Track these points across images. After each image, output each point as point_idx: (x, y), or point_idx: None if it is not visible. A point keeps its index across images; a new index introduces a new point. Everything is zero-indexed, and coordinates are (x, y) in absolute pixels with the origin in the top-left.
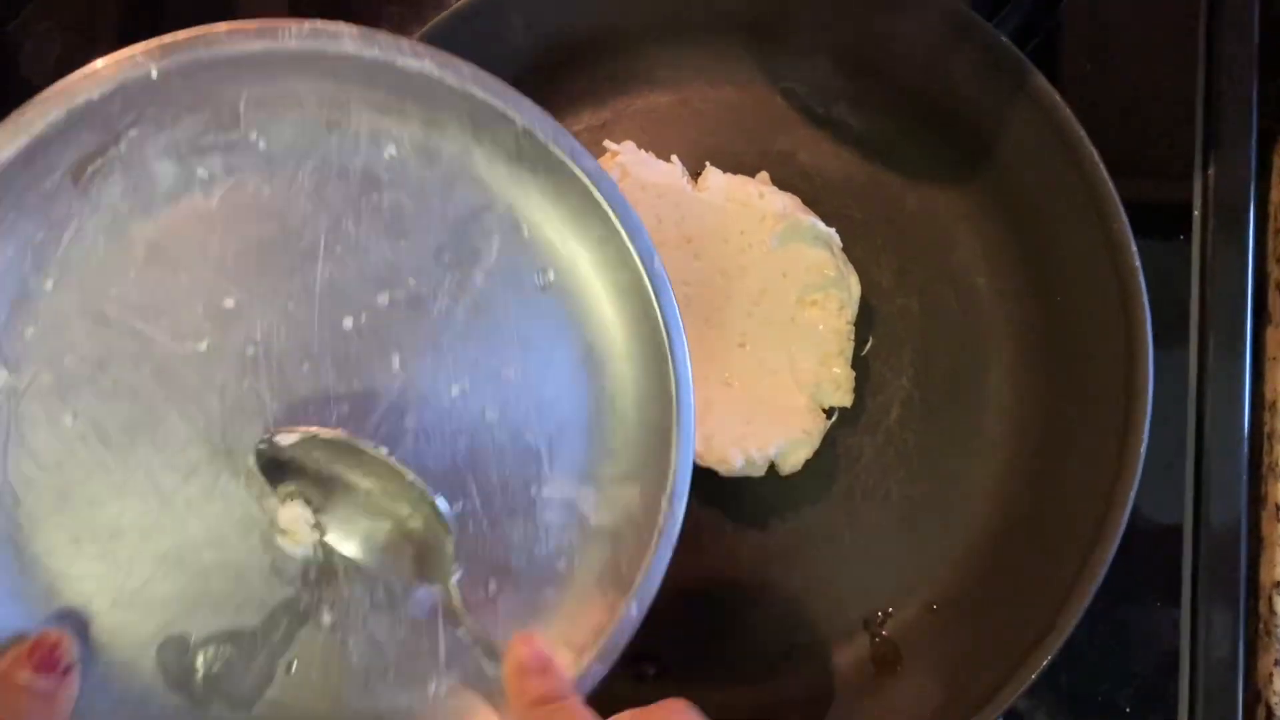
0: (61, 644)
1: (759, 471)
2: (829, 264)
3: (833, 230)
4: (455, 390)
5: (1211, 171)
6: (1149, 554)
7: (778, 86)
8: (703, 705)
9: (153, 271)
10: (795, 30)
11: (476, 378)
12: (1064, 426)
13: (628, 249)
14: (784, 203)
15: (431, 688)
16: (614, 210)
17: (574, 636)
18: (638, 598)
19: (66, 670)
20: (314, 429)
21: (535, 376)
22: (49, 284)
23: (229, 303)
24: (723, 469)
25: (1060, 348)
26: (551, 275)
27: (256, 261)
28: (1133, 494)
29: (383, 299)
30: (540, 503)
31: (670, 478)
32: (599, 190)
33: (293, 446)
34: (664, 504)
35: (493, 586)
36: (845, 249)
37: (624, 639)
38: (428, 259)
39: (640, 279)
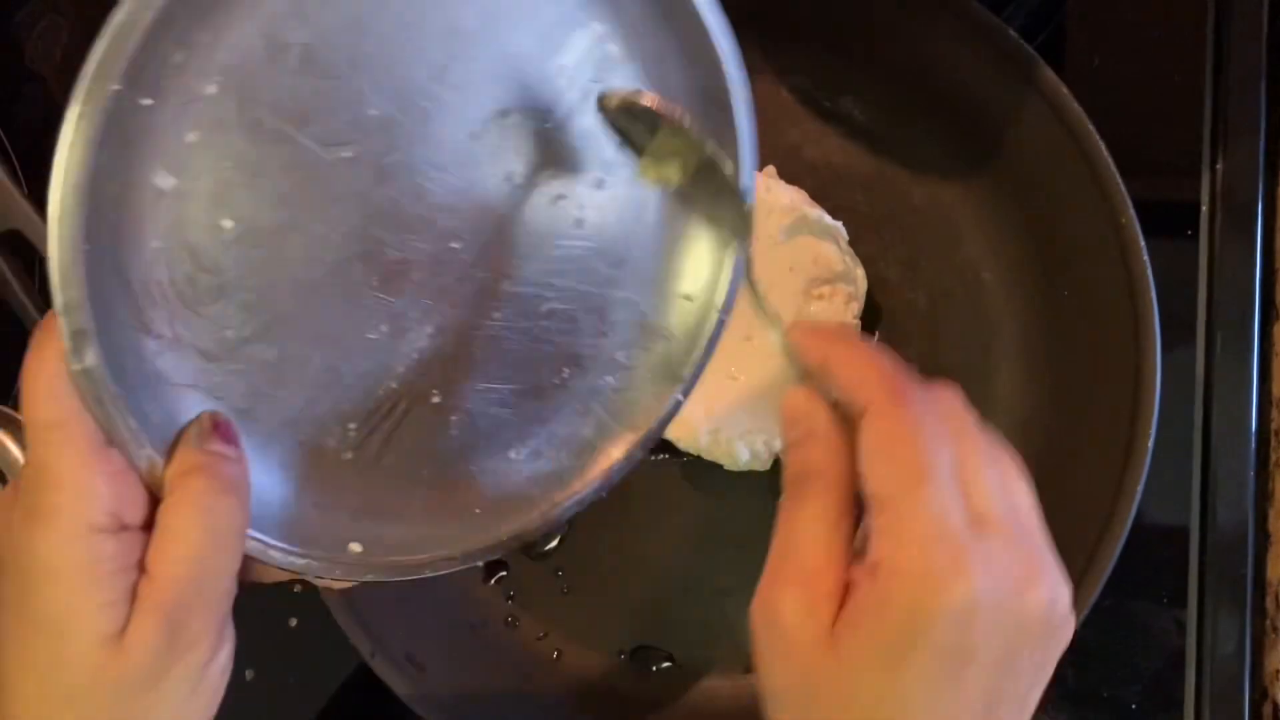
0: (232, 423)
1: (764, 465)
2: (836, 258)
3: (839, 224)
4: (551, 201)
5: (1220, 167)
6: (1156, 551)
7: (784, 80)
8: (712, 697)
9: (305, 79)
10: (801, 23)
11: (570, 191)
12: (1071, 421)
13: (719, 67)
14: (791, 196)
15: (512, 453)
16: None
17: (628, 419)
18: (684, 388)
19: (239, 445)
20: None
21: (617, 196)
22: (211, 89)
23: (373, 112)
24: (728, 463)
25: (1067, 342)
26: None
27: (399, 71)
28: (1140, 489)
29: (501, 111)
30: (611, 302)
31: (722, 293)
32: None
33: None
34: (713, 314)
35: (565, 373)
36: (852, 243)
37: (667, 423)
38: (546, 72)
39: (727, 105)
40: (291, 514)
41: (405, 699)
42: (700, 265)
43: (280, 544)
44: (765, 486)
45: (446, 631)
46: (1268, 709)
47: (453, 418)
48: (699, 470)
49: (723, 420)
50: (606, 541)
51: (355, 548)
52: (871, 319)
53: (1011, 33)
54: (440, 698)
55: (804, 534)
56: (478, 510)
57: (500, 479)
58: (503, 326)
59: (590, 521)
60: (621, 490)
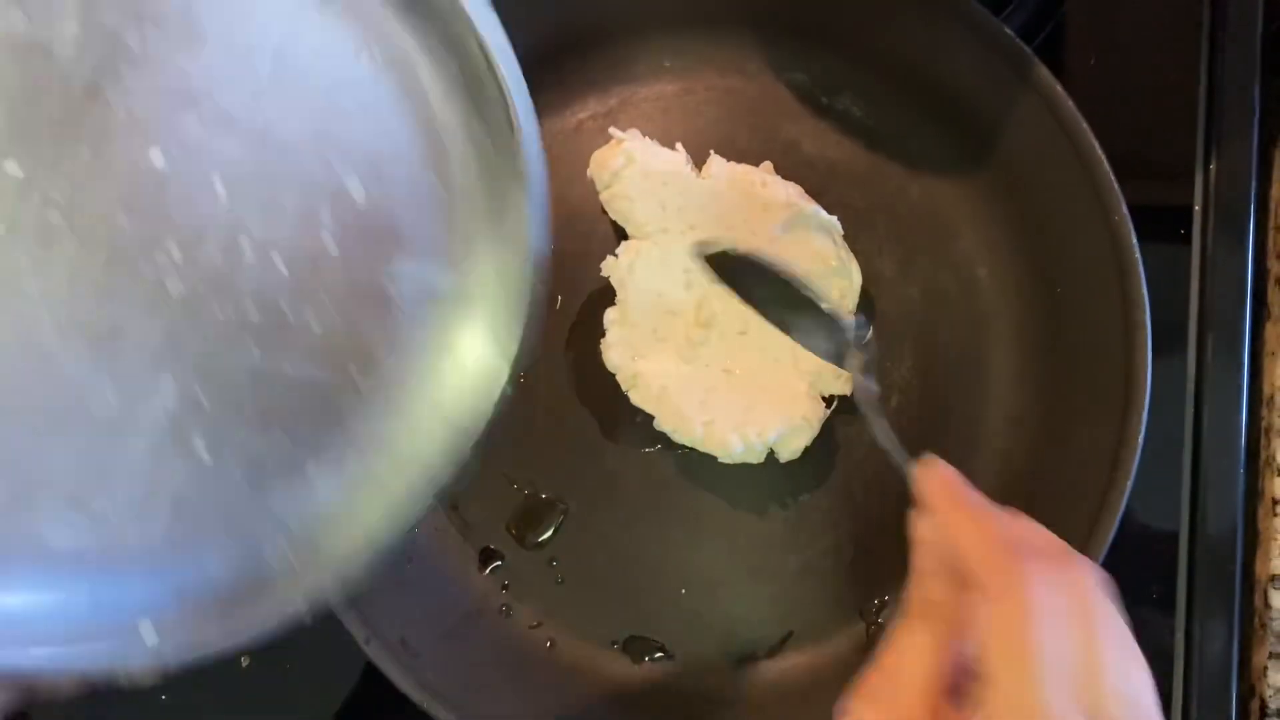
0: None
1: (758, 458)
2: (831, 253)
3: (835, 219)
4: (290, 204)
5: (1213, 167)
6: (1145, 548)
7: (783, 76)
8: (701, 690)
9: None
10: (800, 20)
11: (308, 194)
12: (1063, 416)
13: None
14: (787, 192)
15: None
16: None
17: (452, 413)
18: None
19: None
20: None
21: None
22: None
23: (11, 167)
24: (722, 455)
25: (1060, 338)
26: (372, 57)
27: (34, 112)
28: (1130, 483)
29: (190, 120)
30: (392, 280)
31: (526, 247)
32: None
33: None
34: (524, 272)
35: (353, 368)
36: (848, 238)
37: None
38: (236, 65)
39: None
40: (66, 611)
41: (400, 685)
42: (483, 216)
43: (60, 648)
44: (759, 478)
45: (441, 619)
46: (1255, 705)
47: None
48: (693, 462)
49: (717, 412)
50: (601, 532)
51: (147, 627)
52: (866, 314)
53: (1008, 32)
54: (434, 684)
55: (910, 661)
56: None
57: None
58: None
59: (585, 512)
60: (616, 482)
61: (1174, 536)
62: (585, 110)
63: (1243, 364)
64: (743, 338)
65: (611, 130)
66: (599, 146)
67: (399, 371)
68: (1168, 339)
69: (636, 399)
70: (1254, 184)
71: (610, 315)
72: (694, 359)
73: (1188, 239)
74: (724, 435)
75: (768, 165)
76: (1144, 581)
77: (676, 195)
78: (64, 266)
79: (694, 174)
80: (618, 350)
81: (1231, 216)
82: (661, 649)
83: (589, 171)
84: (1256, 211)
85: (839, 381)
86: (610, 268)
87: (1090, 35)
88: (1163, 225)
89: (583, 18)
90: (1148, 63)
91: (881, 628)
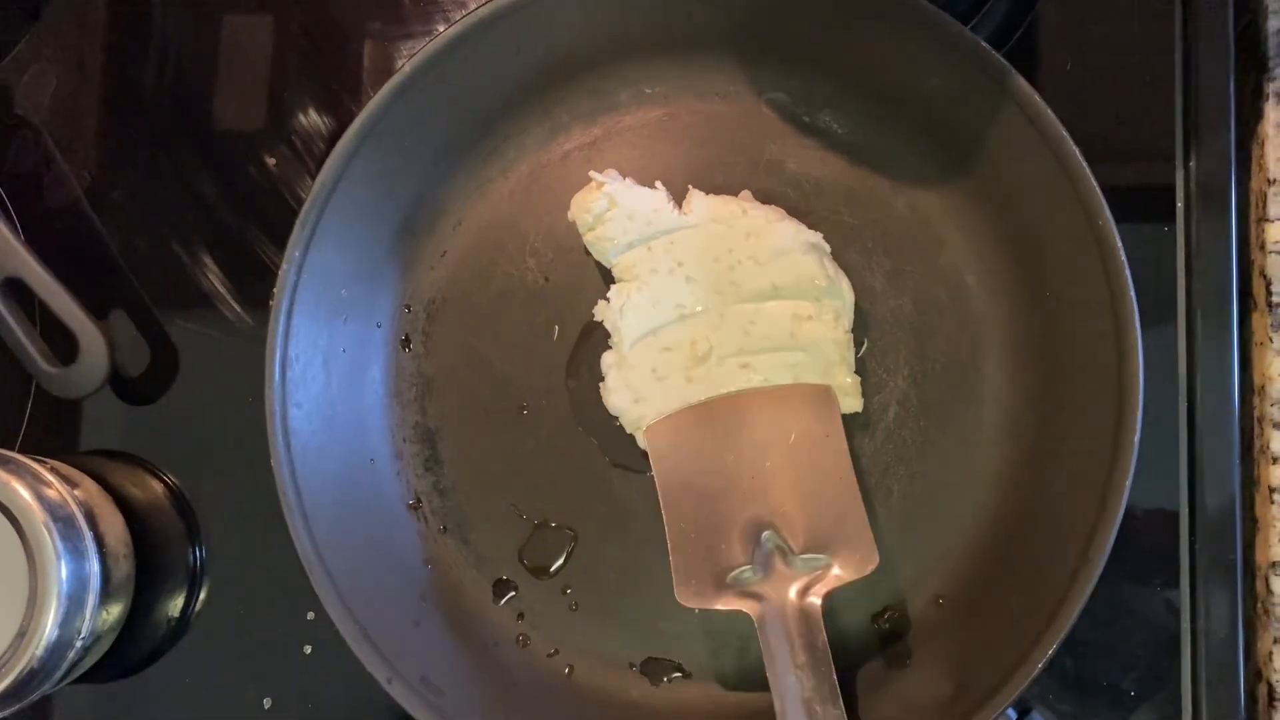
0: None
1: None
2: (820, 272)
3: (820, 236)
4: None
5: (1193, 164)
6: (1146, 536)
7: (763, 97)
8: (723, 705)
9: None
10: (778, 40)
11: None
12: (1059, 417)
13: None
14: (768, 215)
15: None
16: None
17: None
18: None
19: None
20: None
21: None
22: None
23: None
24: None
25: (1052, 341)
26: None
27: None
28: (1129, 482)
29: None
30: None
31: None
32: None
33: None
34: None
35: None
36: (838, 253)
37: None
38: None
39: None
40: None
41: None
42: None
43: None
44: None
45: (460, 653)
46: (1262, 690)
47: None
48: None
49: None
50: (612, 557)
51: None
52: (859, 328)
53: (985, 45)
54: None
55: None
56: None
57: None
58: None
59: (595, 539)
60: (625, 507)
61: (1174, 526)
62: (570, 142)
63: (1233, 356)
64: (744, 370)
65: (591, 174)
66: (584, 177)
67: None
68: (1156, 328)
69: (643, 441)
70: (1234, 178)
71: (607, 360)
72: (696, 394)
73: (1172, 235)
74: None
75: (746, 194)
76: (1146, 571)
77: (661, 234)
78: None
79: (675, 211)
80: (618, 394)
81: (1214, 211)
82: (679, 669)
83: (570, 215)
84: (1238, 204)
85: (848, 399)
86: (602, 311)
87: (1063, 38)
88: (1147, 217)
89: (563, 51)
90: (1122, 62)
91: (894, 635)
